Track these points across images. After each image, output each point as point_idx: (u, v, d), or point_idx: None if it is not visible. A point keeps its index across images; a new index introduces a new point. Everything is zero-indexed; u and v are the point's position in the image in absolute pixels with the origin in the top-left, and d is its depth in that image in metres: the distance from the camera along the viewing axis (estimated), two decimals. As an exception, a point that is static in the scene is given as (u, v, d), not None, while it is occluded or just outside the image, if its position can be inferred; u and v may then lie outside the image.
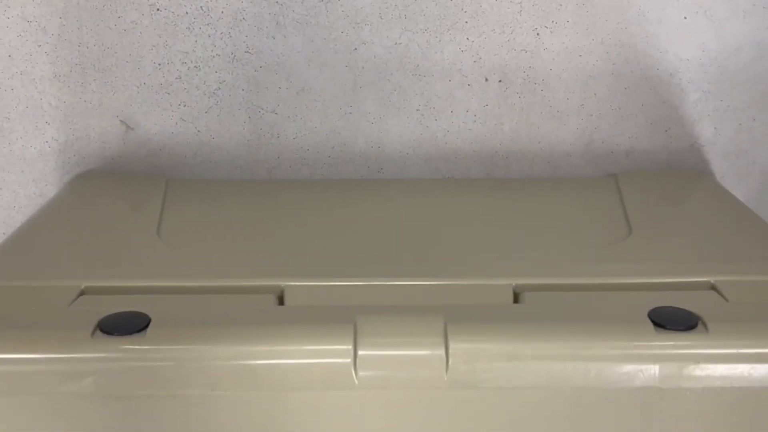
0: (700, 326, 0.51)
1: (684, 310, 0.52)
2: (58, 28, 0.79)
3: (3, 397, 0.50)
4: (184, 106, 0.82)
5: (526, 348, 0.51)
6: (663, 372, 0.50)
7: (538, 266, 0.62)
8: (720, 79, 0.83)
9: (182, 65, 0.81)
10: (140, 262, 0.63)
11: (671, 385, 0.50)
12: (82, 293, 0.57)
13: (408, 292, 0.58)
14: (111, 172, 0.84)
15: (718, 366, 0.50)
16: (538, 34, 0.81)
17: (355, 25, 0.80)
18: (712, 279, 0.58)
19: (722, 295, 0.56)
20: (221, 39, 0.80)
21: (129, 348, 0.50)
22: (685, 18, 0.80)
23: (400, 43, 0.81)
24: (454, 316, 0.52)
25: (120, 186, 0.81)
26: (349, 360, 0.50)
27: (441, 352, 0.50)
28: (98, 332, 0.51)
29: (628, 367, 0.50)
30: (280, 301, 0.57)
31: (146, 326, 0.51)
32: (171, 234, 0.68)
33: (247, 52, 0.81)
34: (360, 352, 0.50)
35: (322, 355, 0.50)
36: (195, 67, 0.81)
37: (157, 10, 0.79)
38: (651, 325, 0.51)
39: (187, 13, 0.79)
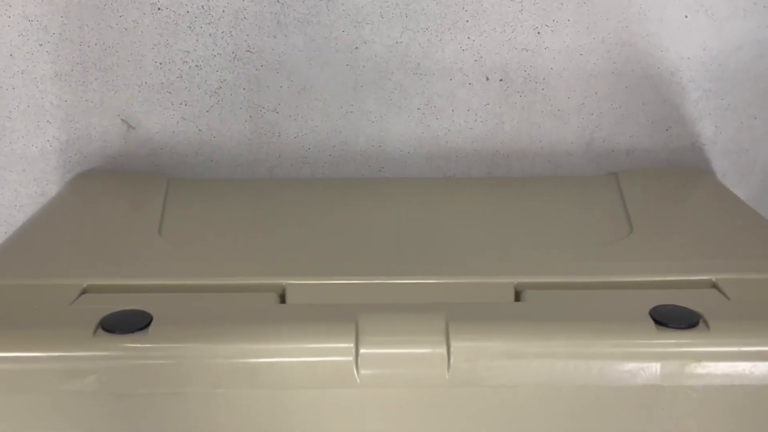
0: (701, 324, 0.51)
1: (685, 308, 0.53)
2: (60, 27, 0.79)
3: (5, 396, 0.50)
4: (186, 105, 0.82)
5: (527, 346, 0.51)
6: (664, 370, 0.50)
7: (540, 265, 0.62)
8: (721, 77, 0.83)
9: (183, 64, 0.81)
10: (142, 260, 0.63)
11: (672, 383, 0.50)
12: (83, 292, 0.57)
13: (409, 291, 0.58)
14: (112, 171, 0.84)
15: (719, 364, 0.50)
16: (539, 33, 0.81)
17: (356, 24, 0.80)
18: (713, 277, 0.58)
19: (723, 293, 0.56)
20: (222, 38, 0.80)
21: (131, 346, 0.50)
22: (686, 17, 0.80)
23: (401, 42, 0.81)
24: (456, 315, 0.52)
25: (121, 185, 0.81)
26: (350, 358, 0.50)
27: (442, 350, 0.50)
28: (100, 330, 0.51)
29: (630, 365, 0.50)
30: (282, 299, 0.57)
31: (148, 324, 0.51)
32: (172, 233, 0.68)
33: (248, 51, 0.81)
34: (362, 351, 0.50)
35: (323, 353, 0.50)
36: (196, 66, 0.81)
37: (158, 9, 0.79)
38: (652, 323, 0.51)
39: (188, 12, 0.79)
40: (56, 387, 0.50)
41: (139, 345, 0.50)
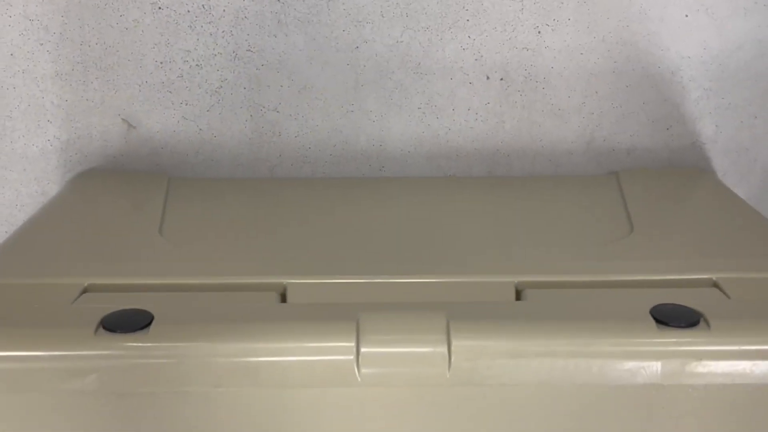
0: (702, 323, 0.51)
1: (686, 307, 0.52)
2: (60, 26, 0.79)
3: (6, 395, 0.50)
4: (186, 104, 0.82)
5: (528, 345, 0.51)
6: (665, 369, 0.50)
7: (540, 264, 0.62)
8: (721, 76, 0.83)
9: (184, 64, 0.81)
10: (143, 259, 0.63)
11: (673, 382, 0.50)
12: (84, 291, 0.57)
13: (410, 290, 0.58)
14: (113, 170, 0.84)
15: (720, 363, 0.50)
16: (539, 32, 0.81)
17: (357, 24, 0.80)
18: (713, 276, 0.58)
19: (724, 292, 0.56)
20: (223, 37, 0.80)
21: (132, 345, 0.50)
22: (687, 16, 0.80)
23: (402, 42, 0.81)
24: (457, 314, 0.52)
25: (122, 184, 0.81)
26: (351, 357, 0.50)
27: (443, 349, 0.50)
28: (101, 330, 0.50)
29: (630, 364, 0.50)
30: (283, 298, 0.57)
31: (149, 324, 0.51)
32: (173, 232, 0.68)
33: (249, 50, 0.81)
34: (362, 350, 0.50)
35: (324, 352, 0.50)
36: (197, 65, 0.81)
37: (159, 8, 0.79)
38: (653, 322, 0.51)
39: (188, 11, 0.79)
40: (57, 386, 0.50)
41: (140, 344, 0.50)
